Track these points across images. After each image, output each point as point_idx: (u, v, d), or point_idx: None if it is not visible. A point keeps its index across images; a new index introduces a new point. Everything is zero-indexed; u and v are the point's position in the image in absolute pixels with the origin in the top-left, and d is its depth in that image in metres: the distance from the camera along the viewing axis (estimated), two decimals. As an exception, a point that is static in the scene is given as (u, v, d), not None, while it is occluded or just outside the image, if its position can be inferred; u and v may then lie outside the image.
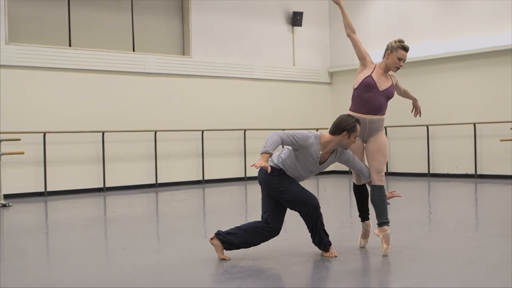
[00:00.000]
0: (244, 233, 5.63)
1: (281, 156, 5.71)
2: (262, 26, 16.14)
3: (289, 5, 16.66)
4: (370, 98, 5.74)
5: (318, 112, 17.00)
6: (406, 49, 5.90)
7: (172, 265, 5.50)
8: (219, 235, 5.64)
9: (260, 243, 5.72)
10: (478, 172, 14.15)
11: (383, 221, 5.73)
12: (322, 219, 5.66)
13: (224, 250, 5.65)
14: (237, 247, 5.66)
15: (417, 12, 15.38)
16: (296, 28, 16.79)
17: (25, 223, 8.86)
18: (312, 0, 17.15)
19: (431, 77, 15.13)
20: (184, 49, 15.01)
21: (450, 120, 14.61)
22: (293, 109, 16.47)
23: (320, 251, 5.76)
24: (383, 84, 5.81)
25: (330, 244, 5.68)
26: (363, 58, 5.95)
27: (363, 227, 6.09)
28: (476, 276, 4.86)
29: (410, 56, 15.15)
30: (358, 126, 5.48)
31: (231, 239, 5.62)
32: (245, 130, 15.38)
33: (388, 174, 15.73)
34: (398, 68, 5.89)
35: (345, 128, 5.43)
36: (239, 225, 5.74)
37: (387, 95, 5.83)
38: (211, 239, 5.66)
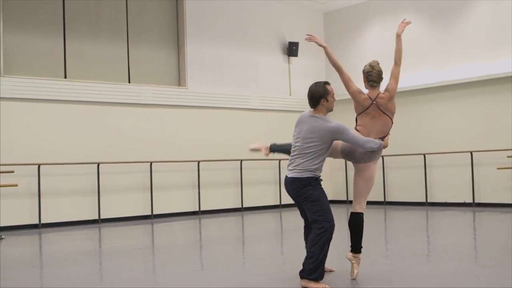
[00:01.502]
0: (318, 249, 5.47)
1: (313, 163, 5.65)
2: (258, 56, 16.19)
3: (284, 36, 16.74)
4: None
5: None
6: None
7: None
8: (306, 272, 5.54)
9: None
10: (476, 201, 14.07)
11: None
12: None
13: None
14: (322, 263, 5.51)
15: (413, 41, 15.41)
16: (292, 58, 16.85)
17: (18, 256, 8.74)
18: (307, 30, 17.19)
19: (427, 105, 15.14)
20: (179, 80, 15.03)
21: (447, 148, 14.57)
22: (289, 140, 16.35)
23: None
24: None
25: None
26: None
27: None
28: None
29: (407, 85, 15.37)
30: (327, 86, 5.80)
31: (315, 265, 5.45)
32: (241, 161, 15.32)
33: (385, 203, 15.66)
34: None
35: (319, 97, 5.74)
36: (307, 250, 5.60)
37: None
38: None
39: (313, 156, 5.60)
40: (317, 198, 5.54)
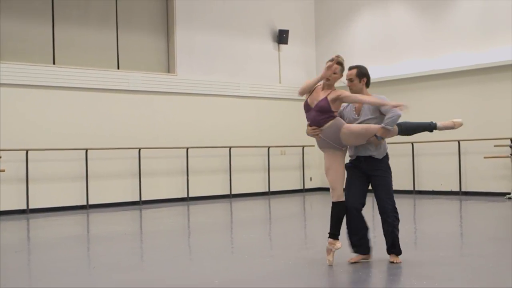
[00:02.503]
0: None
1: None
2: (248, 43, 16.18)
3: (274, 23, 16.72)
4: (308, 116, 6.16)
5: (304, 129, 16.92)
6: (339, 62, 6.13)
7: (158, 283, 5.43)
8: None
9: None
10: (463, 189, 14.17)
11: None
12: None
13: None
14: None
15: (402, 30, 15.48)
16: (282, 46, 16.84)
17: (5, 241, 8.74)
18: (297, 18, 17.23)
19: (415, 94, 15.18)
20: (169, 67, 15.01)
21: (435, 137, 14.57)
22: (279, 126, 16.45)
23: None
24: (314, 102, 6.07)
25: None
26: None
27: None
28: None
29: (396, 73, 15.39)
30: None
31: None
32: (230, 148, 15.35)
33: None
34: (328, 79, 6.03)
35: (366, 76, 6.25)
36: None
37: (316, 108, 6.02)
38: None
39: None
40: None
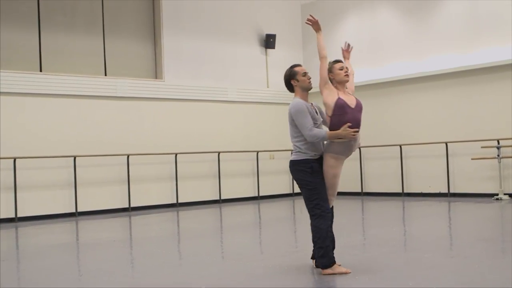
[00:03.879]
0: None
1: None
2: (235, 48, 16.20)
3: (262, 28, 16.76)
4: (350, 118, 5.68)
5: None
6: (339, 60, 6.04)
7: (138, 290, 5.43)
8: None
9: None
10: (451, 191, 14.23)
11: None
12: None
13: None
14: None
15: (389, 33, 15.55)
16: (270, 51, 16.88)
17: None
18: (284, 22, 17.28)
19: (403, 96, 15.26)
20: (156, 73, 15.00)
21: (422, 139, 14.72)
22: (267, 131, 16.48)
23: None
24: (352, 102, 5.79)
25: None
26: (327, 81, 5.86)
27: None
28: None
29: (383, 76, 15.45)
30: (295, 68, 5.88)
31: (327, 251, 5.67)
32: (219, 153, 15.35)
33: (363, 194, 15.80)
34: (347, 75, 5.90)
35: (288, 79, 5.88)
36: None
37: (359, 109, 5.81)
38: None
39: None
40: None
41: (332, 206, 5.89)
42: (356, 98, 5.87)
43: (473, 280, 5.33)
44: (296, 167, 5.75)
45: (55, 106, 13.09)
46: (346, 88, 5.91)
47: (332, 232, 5.82)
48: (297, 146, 5.77)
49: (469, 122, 13.94)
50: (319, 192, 5.66)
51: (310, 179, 5.67)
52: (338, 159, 5.71)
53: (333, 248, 5.86)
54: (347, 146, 5.68)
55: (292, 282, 5.56)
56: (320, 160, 5.77)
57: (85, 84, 13.46)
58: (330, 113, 5.71)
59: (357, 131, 5.63)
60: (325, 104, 5.76)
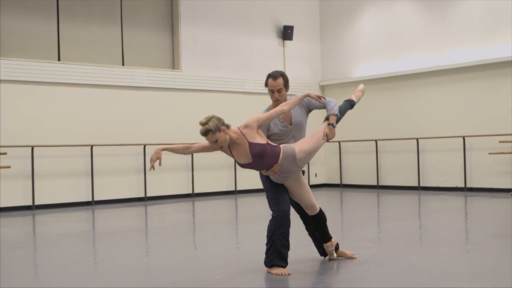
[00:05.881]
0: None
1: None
2: (253, 40, 16.18)
3: (279, 19, 16.72)
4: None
5: (308, 124, 16.94)
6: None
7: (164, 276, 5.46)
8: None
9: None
10: (468, 185, 14.15)
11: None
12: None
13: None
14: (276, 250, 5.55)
15: (406, 26, 15.46)
16: (287, 42, 16.83)
17: (10, 237, 8.80)
18: (302, 14, 17.22)
19: (420, 90, 15.17)
20: (174, 63, 15.03)
21: (439, 133, 14.63)
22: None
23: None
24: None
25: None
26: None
27: (326, 248, 6.02)
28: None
29: (400, 69, 15.37)
30: (268, 80, 5.67)
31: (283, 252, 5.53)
32: (235, 144, 15.34)
33: (378, 187, 15.76)
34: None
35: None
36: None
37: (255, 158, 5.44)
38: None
39: None
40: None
41: (317, 212, 5.80)
42: (249, 144, 5.40)
43: (488, 275, 5.30)
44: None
45: (73, 95, 13.16)
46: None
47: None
48: None
49: (486, 117, 13.84)
50: (272, 194, 5.59)
51: (265, 180, 5.67)
52: (283, 184, 5.63)
53: (319, 247, 6.01)
54: (281, 177, 5.54)
55: (306, 273, 5.56)
56: None
57: (102, 74, 13.52)
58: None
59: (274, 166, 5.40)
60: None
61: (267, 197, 5.70)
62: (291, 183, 5.61)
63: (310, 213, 5.79)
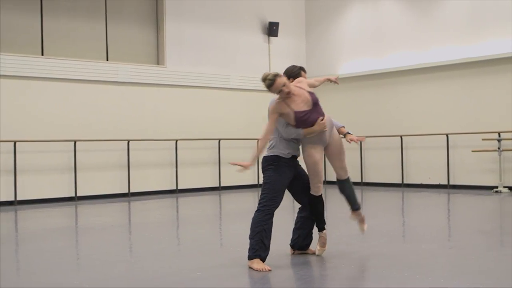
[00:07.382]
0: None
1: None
2: (238, 36, 16.16)
3: (265, 16, 16.71)
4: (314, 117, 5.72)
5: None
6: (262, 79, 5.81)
7: (147, 276, 5.44)
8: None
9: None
10: (451, 183, 14.23)
11: (356, 207, 6.18)
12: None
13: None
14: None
15: (391, 23, 15.50)
16: (272, 38, 16.83)
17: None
18: (288, 10, 17.22)
19: (404, 87, 15.23)
20: (158, 59, 14.97)
21: (423, 130, 14.70)
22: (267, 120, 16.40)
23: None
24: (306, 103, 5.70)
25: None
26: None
27: (321, 236, 6.08)
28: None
29: (384, 66, 15.41)
30: (303, 73, 6.04)
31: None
32: (219, 140, 15.35)
33: (362, 184, 15.80)
34: (288, 93, 5.69)
35: (290, 76, 6.01)
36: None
37: (316, 102, 5.74)
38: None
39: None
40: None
41: (321, 194, 5.98)
42: (308, 93, 5.73)
43: (469, 271, 5.33)
44: (264, 164, 5.80)
45: (56, 90, 13.08)
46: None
47: (311, 221, 6.08)
48: (271, 143, 5.83)
49: (470, 114, 13.92)
50: (272, 189, 5.64)
51: (271, 173, 5.70)
52: (314, 148, 5.77)
53: (309, 244, 6.11)
54: (320, 136, 5.75)
55: (286, 268, 5.57)
56: (291, 161, 5.78)
57: (86, 69, 13.44)
58: (293, 123, 5.71)
59: (323, 119, 5.69)
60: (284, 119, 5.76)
61: (263, 189, 5.70)
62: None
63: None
